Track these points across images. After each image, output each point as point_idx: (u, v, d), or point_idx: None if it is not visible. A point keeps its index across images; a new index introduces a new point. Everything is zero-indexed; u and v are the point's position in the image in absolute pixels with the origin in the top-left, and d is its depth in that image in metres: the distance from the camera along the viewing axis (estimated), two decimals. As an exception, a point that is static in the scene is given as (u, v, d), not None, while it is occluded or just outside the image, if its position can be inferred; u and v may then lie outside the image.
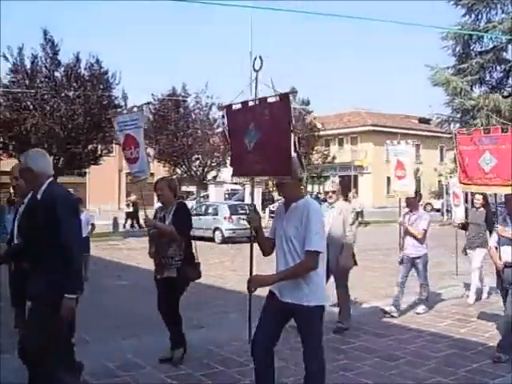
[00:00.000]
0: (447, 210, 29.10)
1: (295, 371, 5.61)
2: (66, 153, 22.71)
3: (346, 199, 14.35)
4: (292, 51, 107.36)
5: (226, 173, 32.04)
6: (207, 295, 10.24)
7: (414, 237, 8.27)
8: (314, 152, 34.74)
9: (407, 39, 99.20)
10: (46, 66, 22.52)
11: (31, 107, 21.91)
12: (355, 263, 7.52)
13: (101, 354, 6.18)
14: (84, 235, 10.90)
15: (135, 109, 6.52)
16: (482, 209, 9.17)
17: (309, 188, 41.21)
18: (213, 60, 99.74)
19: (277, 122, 4.34)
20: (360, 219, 29.81)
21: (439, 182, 40.95)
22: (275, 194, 37.90)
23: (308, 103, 34.04)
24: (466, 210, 9.98)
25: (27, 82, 22.06)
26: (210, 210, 23.08)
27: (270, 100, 4.41)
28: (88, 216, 11.47)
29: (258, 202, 31.30)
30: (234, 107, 4.96)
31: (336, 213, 7.30)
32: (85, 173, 31.45)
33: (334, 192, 7.48)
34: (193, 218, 5.79)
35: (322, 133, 35.22)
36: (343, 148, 53.13)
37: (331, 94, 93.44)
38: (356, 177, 46.76)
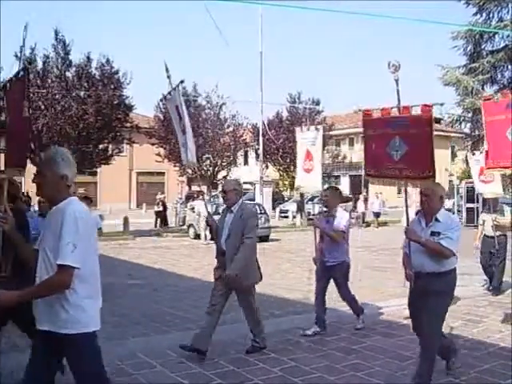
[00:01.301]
0: (458, 211, 29.22)
1: (305, 371, 5.64)
2: (77, 152, 22.77)
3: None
4: (304, 51, 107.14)
5: (236, 172, 32.05)
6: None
7: (331, 240, 7.07)
8: (325, 151, 34.64)
9: (418, 39, 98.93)
10: (57, 66, 22.59)
11: (42, 107, 21.98)
12: (260, 277, 6.37)
13: (112, 352, 6.17)
14: None
15: None
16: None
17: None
18: (223, 60, 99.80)
19: (18, 102, 3.57)
20: (375, 218, 30.04)
21: (450, 182, 40.76)
22: (285, 194, 37.85)
23: (318, 103, 33.84)
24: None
25: (39, 81, 22.14)
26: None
27: (21, 75, 3.67)
28: (98, 218, 10.83)
29: (268, 202, 31.31)
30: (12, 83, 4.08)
31: (236, 217, 6.18)
32: (96, 172, 31.69)
33: (225, 192, 6.33)
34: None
35: (332, 132, 35.02)
36: (354, 148, 52.96)
37: (342, 93, 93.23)
38: (366, 176, 46.66)
